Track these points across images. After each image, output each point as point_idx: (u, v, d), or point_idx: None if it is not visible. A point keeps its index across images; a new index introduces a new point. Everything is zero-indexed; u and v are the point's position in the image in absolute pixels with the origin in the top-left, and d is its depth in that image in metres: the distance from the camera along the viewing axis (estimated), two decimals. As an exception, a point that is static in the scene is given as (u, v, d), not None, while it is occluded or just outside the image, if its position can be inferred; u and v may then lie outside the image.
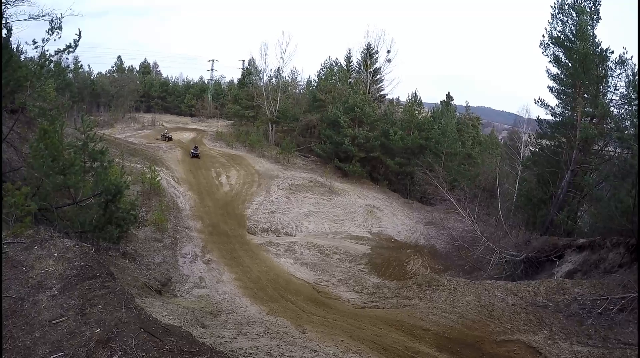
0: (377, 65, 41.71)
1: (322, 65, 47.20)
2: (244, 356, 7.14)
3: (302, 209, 25.78)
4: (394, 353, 9.19)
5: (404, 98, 46.64)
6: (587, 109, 19.90)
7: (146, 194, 21.21)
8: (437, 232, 23.80)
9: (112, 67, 68.65)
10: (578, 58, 19.39)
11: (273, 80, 45.23)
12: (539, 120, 23.25)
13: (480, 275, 16.56)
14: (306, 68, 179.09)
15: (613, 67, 18.78)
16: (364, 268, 18.65)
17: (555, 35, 20.37)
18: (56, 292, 6.49)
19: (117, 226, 12.34)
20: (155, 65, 78.58)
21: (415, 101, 39.33)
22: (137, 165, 26.12)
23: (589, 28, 19.27)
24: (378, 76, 42.71)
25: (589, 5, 19.46)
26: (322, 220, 24.77)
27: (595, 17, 19.41)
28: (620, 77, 18.57)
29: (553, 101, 21.89)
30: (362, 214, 26.49)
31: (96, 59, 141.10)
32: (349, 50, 45.06)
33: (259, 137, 40.78)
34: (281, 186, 28.94)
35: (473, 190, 23.38)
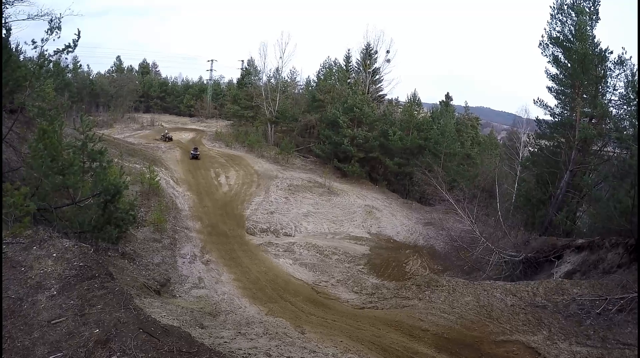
0: (376, 65, 41.78)
1: (321, 65, 47.38)
2: (242, 356, 7.13)
3: (301, 209, 25.77)
4: (392, 354, 9.19)
5: (403, 98, 46.74)
6: (586, 110, 19.95)
7: (145, 194, 21.18)
8: (436, 232, 23.83)
9: (111, 67, 68.72)
10: (577, 58, 19.44)
11: (272, 80, 45.33)
12: (538, 120, 23.30)
13: (479, 275, 16.57)
14: (305, 68, 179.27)
15: (612, 68, 18.84)
16: (363, 268, 18.65)
17: (555, 35, 20.41)
18: (55, 292, 6.48)
19: (116, 226, 12.34)
20: (155, 65, 78.68)
21: (414, 101, 39.36)
22: (136, 165, 26.09)
23: (588, 28, 19.32)
24: (377, 76, 42.74)
25: (588, 5, 19.51)
26: (321, 221, 24.77)
27: (594, 17, 19.47)
28: (619, 77, 18.66)
29: (552, 102, 21.95)
30: (361, 214, 26.49)
31: (95, 59, 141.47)
32: (348, 50, 45.19)
33: (258, 137, 40.77)
34: (280, 187, 28.94)
35: (472, 190, 23.40)
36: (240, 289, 14.84)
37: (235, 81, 62.00)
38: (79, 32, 11.20)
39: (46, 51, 11.17)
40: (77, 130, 11.97)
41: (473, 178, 30.40)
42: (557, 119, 21.57)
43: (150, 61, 76.77)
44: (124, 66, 70.07)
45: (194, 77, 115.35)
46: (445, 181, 24.95)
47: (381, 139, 35.04)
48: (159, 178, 23.38)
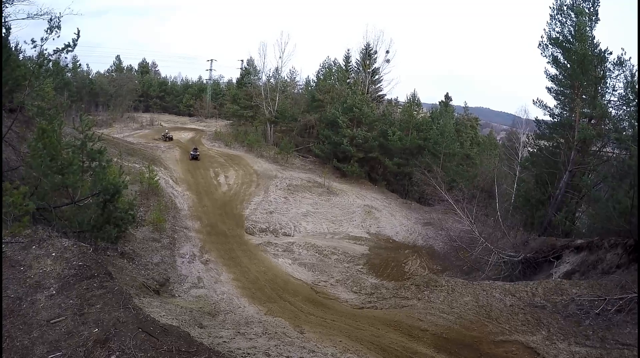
0: (375, 65, 41.77)
1: (321, 65, 47.46)
2: (242, 356, 7.13)
3: (300, 209, 25.77)
4: (392, 354, 9.19)
5: (402, 98, 46.81)
6: (585, 110, 19.97)
7: (144, 194, 21.17)
8: (435, 233, 23.85)
9: (111, 66, 68.73)
10: (576, 59, 19.46)
11: (272, 80, 45.30)
12: (537, 121, 23.31)
13: (478, 275, 16.57)
14: (305, 68, 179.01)
15: (611, 68, 18.87)
16: (362, 268, 18.65)
17: (554, 36, 20.42)
18: (54, 292, 6.48)
19: (115, 226, 12.32)
20: (154, 64, 78.61)
21: (413, 102, 39.44)
22: (136, 165, 26.08)
23: (588, 29, 19.34)
24: (377, 76, 42.75)
25: (588, 6, 19.52)
26: (321, 220, 24.77)
27: (593, 18, 19.49)
28: (618, 78, 18.70)
29: (551, 102, 21.97)
30: (361, 214, 26.50)
31: (95, 59, 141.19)
32: (348, 50, 45.17)
33: (257, 137, 40.77)
34: (279, 186, 28.94)
35: (471, 191, 23.43)
36: (239, 289, 14.83)
37: (234, 81, 62.14)
38: (79, 31, 11.20)
39: (46, 50, 11.17)
40: (77, 129, 11.95)
41: (472, 178, 30.44)
42: (556, 120, 21.60)
43: (149, 61, 76.88)
44: (124, 65, 70.16)
45: (193, 76, 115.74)
46: (445, 181, 24.97)
47: (380, 139, 35.06)
48: (158, 177, 23.37)
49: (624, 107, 18.39)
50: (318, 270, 17.59)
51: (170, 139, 40.26)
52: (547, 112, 21.71)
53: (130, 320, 6.11)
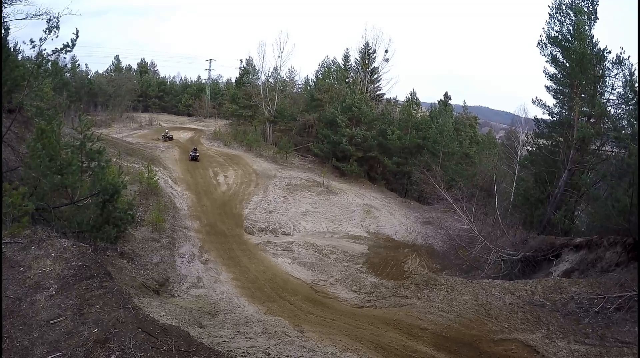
0: (374, 64, 41.74)
1: (320, 64, 47.42)
2: (241, 356, 7.14)
3: (299, 208, 25.78)
4: (391, 353, 9.20)
5: (401, 98, 46.93)
6: (584, 109, 19.99)
7: (144, 194, 21.17)
8: (434, 231, 23.88)
9: (110, 66, 68.60)
10: (575, 58, 19.46)
11: (271, 79, 45.24)
12: (536, 120, 23.34)
13: (477, 274, 16.60)
14: (304, 67, 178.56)
15: (610, 67, 18.88)
16: (361, 267, 18.66)
17: (553, 35, 20.43)
18: (54, 292, 6.47)
19: (114, 226, 12.31)
20: (153, 64, 78.50)
21: (412, 101, 39.47)
22: (135, 165, 26.06)
23: (587, 28, 19.34)
24: (376, 76, 42.71)
25: (587, 5, 19.53)
26: (320, 220, 24.78)
27: (592, 17, 19.50)
28: (617, 77, 18.70)
29: (550, 101, 22.02)
30: (360, 213, 26.51)
31: (94, 59, 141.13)
32: (347, 49, 45.13)
33: (256, 136, 40.76)
34: (279, 186, 28.94)
35: (470, 189, 23.48)
36: (239, 288, 14.84)
37: (233, 80, 62.04)
38: (78, 31, 11.18)
39: (44, 50, 11.14)
40: (76, 130, 11.93)
41: (471, 177, 30.46)
42: (555, 119, 21.63)
43: (148, 60, 76.78)
44: (123, 65, 69.99)
45: (192, 76, 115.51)
46: (444, 180, 25.02)
47: (380, 138, 35.07)
48: (157, 177, 23.37)
49: (623, 106, 18.41)
50: (317, 269, 17.60)
51: (171, 139, 40.30)
52: (546, 111, 21.77)
53: (130, 320, 6.11)
